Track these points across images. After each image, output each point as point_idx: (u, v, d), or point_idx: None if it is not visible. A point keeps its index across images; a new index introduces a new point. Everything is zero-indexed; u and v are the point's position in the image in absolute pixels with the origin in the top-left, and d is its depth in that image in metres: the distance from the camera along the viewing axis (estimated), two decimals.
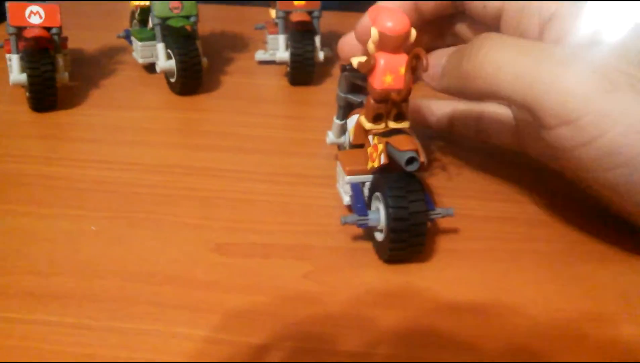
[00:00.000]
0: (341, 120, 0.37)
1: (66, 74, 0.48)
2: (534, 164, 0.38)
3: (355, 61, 0.33)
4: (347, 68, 0.34)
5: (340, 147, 0.38)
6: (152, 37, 0.51)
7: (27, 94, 0.46)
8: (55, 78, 0.46)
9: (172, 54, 0.49)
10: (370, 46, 0.31)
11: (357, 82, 0.35)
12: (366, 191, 0.33)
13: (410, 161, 0.29)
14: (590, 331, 0.27)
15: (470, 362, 0.26)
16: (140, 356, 0.25)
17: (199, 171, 0.39)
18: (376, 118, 0.32)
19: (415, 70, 0.30)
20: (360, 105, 0.35)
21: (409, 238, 0.29)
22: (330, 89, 0.51)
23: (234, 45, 0.62)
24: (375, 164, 0.31)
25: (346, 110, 0.36)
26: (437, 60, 0.33)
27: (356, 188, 0.33)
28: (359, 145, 0.34)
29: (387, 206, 0.29)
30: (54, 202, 0.35)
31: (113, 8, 0.73)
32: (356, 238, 0.33)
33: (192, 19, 0.50)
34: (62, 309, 0.28)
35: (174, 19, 0.49)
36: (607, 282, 0.30)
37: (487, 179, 0.39)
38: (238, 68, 0.57)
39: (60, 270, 0.30)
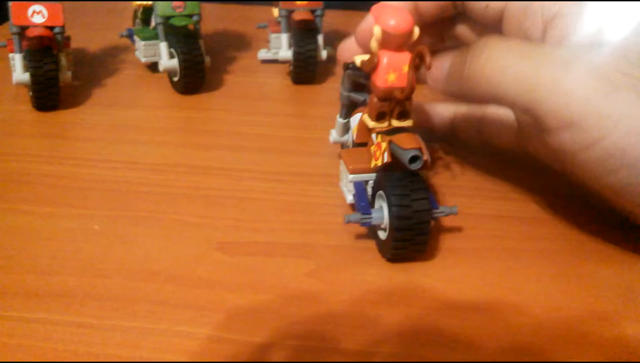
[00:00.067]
0: (344, 118, 0.37)
1: (69, 73, 0.48)
2: (536, 163, 0.38)
3: (359, 60, 0.33)
4: (350, 67, 0.34)
5: (343, 145, 0.38)
6: (155, 36, 0.51)
7: (30, 93, 0.46)
8: (58, 77, 0.46)
9: (174, 53, 0.49)
10: (374, 44, 0.31)
11: (360, 80, 0.35)
12: (369, 190, 0.33)
13: (414, 159, 0.29)
14: (593, 330, 0.27)
15: (473, 362, 0.26)
16: (143, 355, 0.25)
17: (202, 169, 0.39)
18: (379, 116, 0.32)
19: (418, 68, 0.30)
20: (363, 103, 0.35)
21: (412, 236, 0.29)
22: (333, 88, 0.51)
23: (236, 44, 0.62)
24: (379, 163, 0.31)
25: (349, 108, 0.36)
26: (441, 64, 0.33)
27: (359, 187, 0.33)
28: (362, 143, 0.34)
29: (390, 205, 0.29)
30: (57, 201, 0.35)
31: (116, 7, 0.73)
32: (359, 236, 0.33)
33: (195, 18, 0.50)
34: (65, 308, 0.28)
35: (177, 18, 0.49)
36: (610, 281, 0.30)
37: (490, 177, 0.39)
38: (240, 67, 0.57)
39: (62, 268, 0.30)
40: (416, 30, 0.31)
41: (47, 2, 0.46)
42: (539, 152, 0.34)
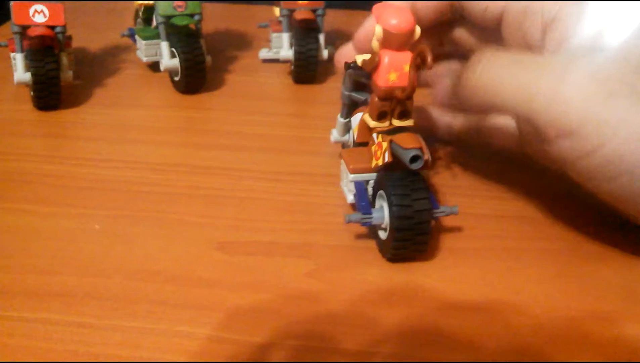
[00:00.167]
0: (345, 118, 0.37)
1: (70, 73, 0.48)
2: (536, 163, 0.38)
3: (360, 59, 0.33)
4: (352, 66, 0.34)
5: (344, 145, 0.38)
6: (156, 36, 0.51)
7: (32, 92, 0.46)
8: (60, 77, 0.46)
9: (176, 53, 0.49)
10: (375, 44, 0.31)
11: (362, 80, 0.34)
12: (370, 190, 0.33)
13: (415, 159, 0.29)
14: (593, 330, 0.27)
15: (473, 362, 0.25)
16: (143, 355, 0.25)
17: (203, 169, 0.39)
18: (380, 116, 0.32)
19: (419, 68, 0.30)
20: (364, 103, 0.34)
21: (413, 236, 0.29)
22: (334, 87, 0.51)
23: (237, 43, 0.62)
24: (380, 162, 0.31)
25: (350, 108, 0.36)
26: (444, 83, 0.33)
27: (360, 186, 0.33)
28: (363, 143, 0.34)
29: (391, 205, 0.29)
30: (58, 200, 0.35)
31: (117, 7, 0.73)
32: (360, 236, 0.33)
33: (196, 18, 0.50)
34: (65, 307, 0.28)
35: (178, 18, 0.49)
36: (610, 281, 0.30)
37: (491, 177, 0.39)
38: (242, 66, 0.57)
39: (63, 268, 0.30)
40: (417, 30, 0.30)
41: (49, 2, 0.46)
42: (539, 156, 0.34)
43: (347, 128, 0.37)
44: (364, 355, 0.26)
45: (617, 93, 0.26)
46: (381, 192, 0.31)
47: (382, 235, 0.31)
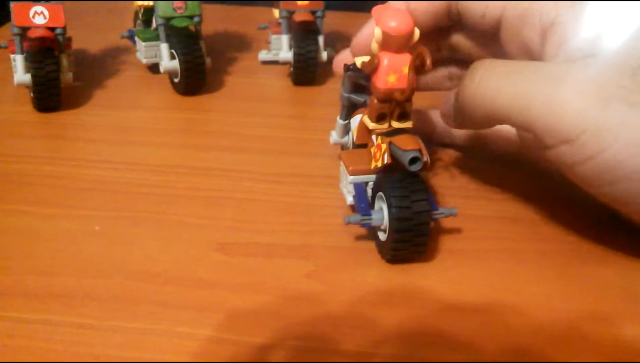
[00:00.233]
0: (344, 120, 0.37)
1: (70, 74, 0.48)
2: (536, 165, 0.38)
3: (359, 61, 0.33)
4: (351, 68, 0.34)
5: (343, 147, 0.38)
6: (156, 38, 0.51)
7: (31, 94, 0.46)
8: (59, 78, 0.46)
9: (175, 54, 0.49)
10: (374, 46, 0.31)
11: (361, 82, 0.35)
12: (369, 191, 0.33)
13: (414, 160, 0.29)
14: (593, 330, 0.27)
15: (473, 362, 0.26)
16: (143, 355, 0.25)
17: (202, 171, 0.39)
18: (379, 118, 0.32)
19: (418, 70, 0.30)
20: (363, 105, 0.35)
21: (412, 237, 0.29)
22: (334, 89, 0.51)
23: (237, 45, 0.62)
24: (379, 164, 0.31)
25: (349, 110, 0.36)
26: (447, 99, 0.33)
27: (359, 188, 0.33)
28: (362, 145, 0.34)
29: (390, 206, 0.29)
30: (58, 202, 0.35)
31: (116, 8, 0.73)
32: (359, 237, 0.33)
33: (196, 19, 0.50)
34: (65, 308, 0.28)
35: (178, 19, 0.49)
36: (610, 282, 0.30)
37: (490, 179, 0.39)
38: (241, 68, 0.57)
39: (63, 269, 0.30)
40: (416, 32, 0.31)
41: (49, 3, 0.46)
42: (540, 161, 0.34)
43: (346, 130, 0.37)
44: (364, 356, 0.26)
45: (615, 97, 0.26)
46: (380, 193, 0.31)
47: (382, 236, 0.31)
